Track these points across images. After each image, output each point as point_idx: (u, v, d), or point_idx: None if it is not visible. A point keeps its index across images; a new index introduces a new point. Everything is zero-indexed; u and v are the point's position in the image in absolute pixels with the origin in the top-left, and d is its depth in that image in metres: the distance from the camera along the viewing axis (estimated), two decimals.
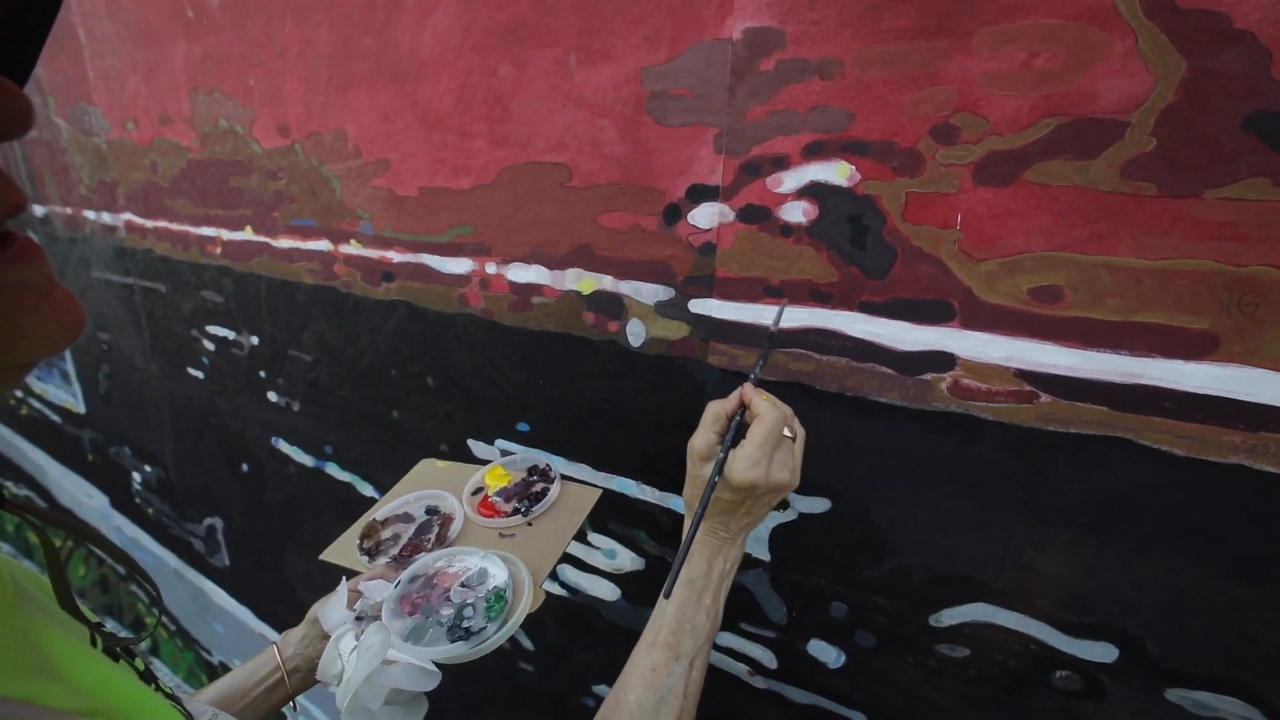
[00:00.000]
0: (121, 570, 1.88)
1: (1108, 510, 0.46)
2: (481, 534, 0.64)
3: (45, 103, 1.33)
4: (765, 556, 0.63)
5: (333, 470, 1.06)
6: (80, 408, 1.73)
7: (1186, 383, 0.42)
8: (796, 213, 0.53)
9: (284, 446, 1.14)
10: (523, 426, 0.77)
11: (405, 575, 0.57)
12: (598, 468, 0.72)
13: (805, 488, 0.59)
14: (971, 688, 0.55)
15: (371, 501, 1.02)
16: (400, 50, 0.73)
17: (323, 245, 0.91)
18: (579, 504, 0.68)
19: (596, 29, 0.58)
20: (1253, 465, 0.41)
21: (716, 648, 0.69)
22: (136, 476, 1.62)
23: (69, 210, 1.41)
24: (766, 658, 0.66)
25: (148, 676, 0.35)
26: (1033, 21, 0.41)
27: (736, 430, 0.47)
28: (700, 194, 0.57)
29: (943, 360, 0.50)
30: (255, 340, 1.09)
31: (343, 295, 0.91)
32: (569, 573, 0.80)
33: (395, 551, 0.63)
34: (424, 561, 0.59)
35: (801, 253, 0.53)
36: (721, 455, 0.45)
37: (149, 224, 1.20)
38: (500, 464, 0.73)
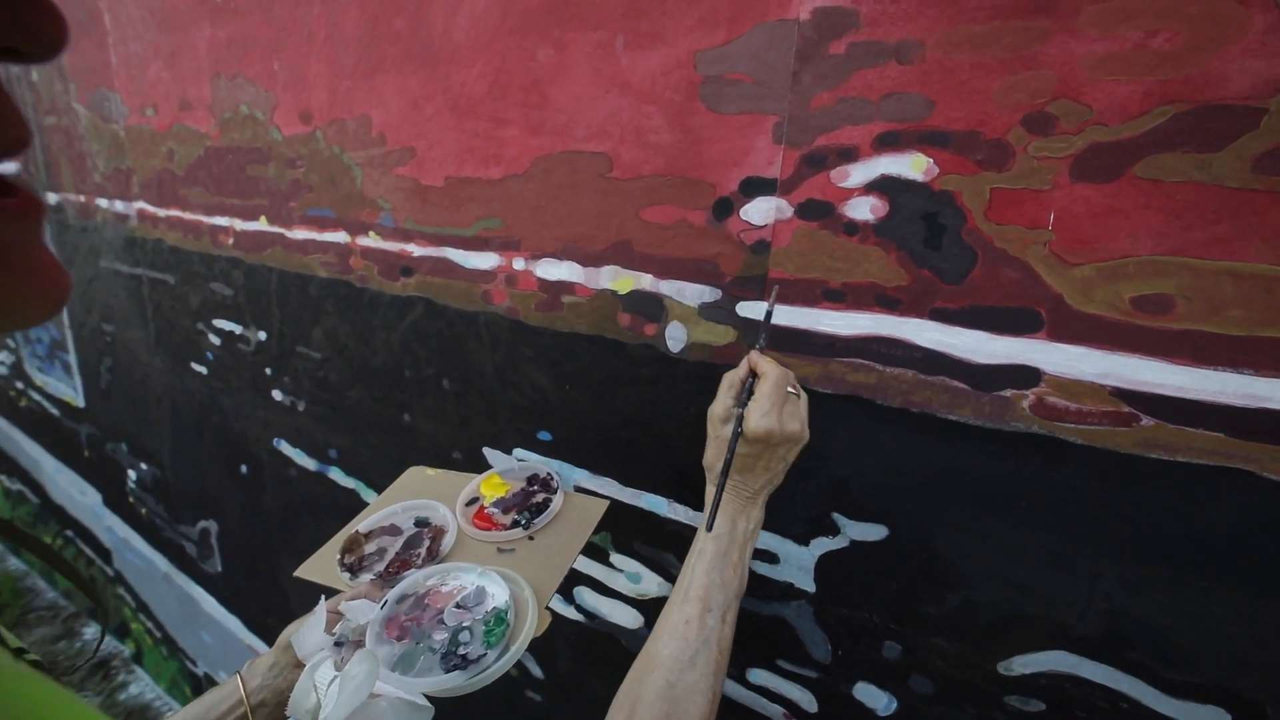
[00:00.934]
0: (110, 571, 1.81)
1: (1221, 550, 0.41)
2: (477, 549, 0.58)
3: (67, 89, 1.31)
4: (810, 587, 0.57)
5: (336, 475, 1.01)
6: (80, 401, 1.69)
7: None
8: (864, 209, 0.48)
9: (286, 448, 1.09)
10: (544, 435, 0.72)
11: (392, 595, 0.51)
12: (625, 483, 0.67)
13: (859, 513, 0.53)
14: None
15: None
16: (432, 33, 0.69)
17: (339, 237, 0.87)
18: (585, 516, 0.62)
19: (647, 9, 0.55)
20: None
21: (750, 687, 0.63)
22: (132, 474, 1.57)
23: (82, 198, 1.39)
24: (806, 700, 0.60)
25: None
26: None
27: (750, 392, 0.49)
28: (755, 187, 0.52)
29: (1025, 375, 0.45)
30: (263, 335, 1.05)
31: (358, 290, 0.87)
32: (587, 596, 0.74)
33: (381, 567, 0.57)
34: (414, 579, 0.53)
35: (867, 253, 0.49)
36: (739, 410, 0.48)
37: (161, 213, 1.17)
38: (497, 472, 0.67)
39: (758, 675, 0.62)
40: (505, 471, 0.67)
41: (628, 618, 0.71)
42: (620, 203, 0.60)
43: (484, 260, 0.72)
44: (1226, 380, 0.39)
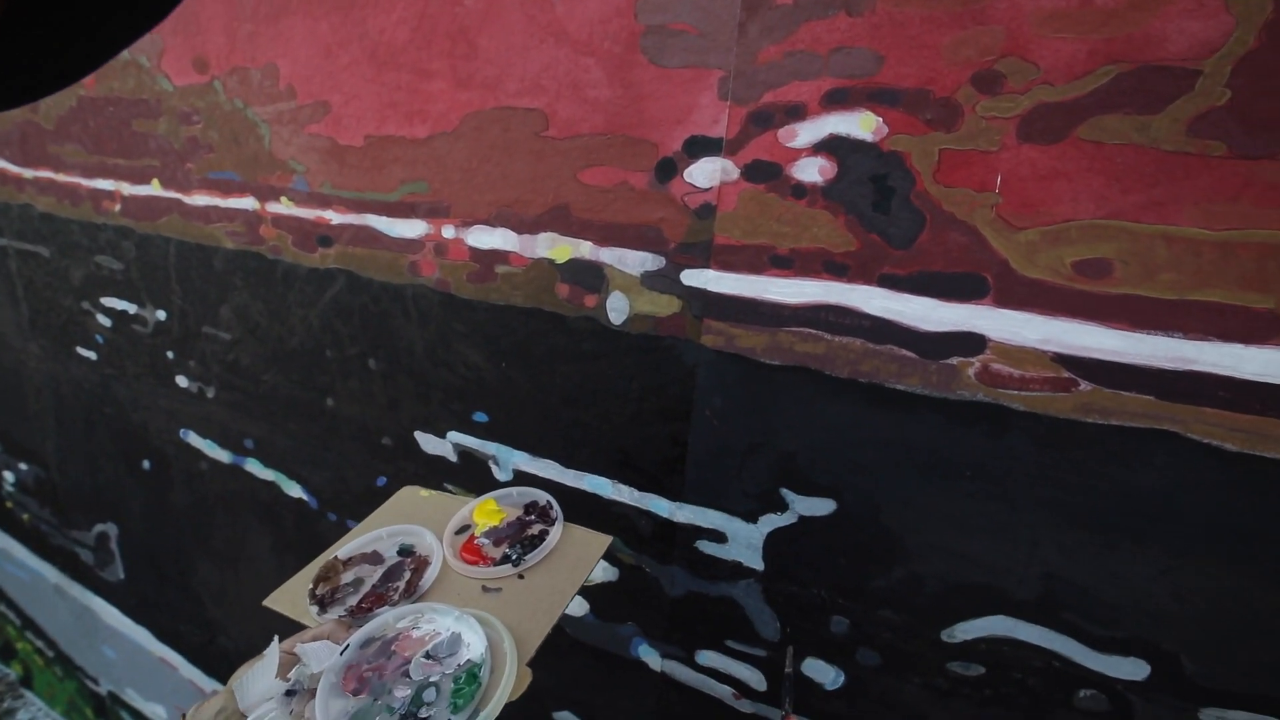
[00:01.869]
0: None
1: (1148, 512, 0.42)
2: (461, 585, 0.53)
3: None
4: (758, 565, 0.56)
5: (254, 467, 0.92)
6: None
7: (1245, 369, 0.38)
8: (812, 171, 0.46)
9: (195, 440, 0.98)
10: (480, 417, 0.67)
11: (356, 638, 0.45)
12: (567, 464, 0.63)
13: (807, 488, 0.52)
14: (984, 709, 0.50)
15: (299, 504, 0.89)
16: None
17: (247, 203, 0.78)
18: (583, 554, 0.55)
19: None
20: None
21: (697, 668, 0.61)
22: (9, 476, 1.39)
23: None
24: (755, 679, 0.59)
25: None
26: None
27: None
28: (700, 147, 0.49)
29: (972, 342, 0.44)
30: (162, 315, 0.94)
31: (270, 263, 0.79)
32: None
33: (353, 602, 0.51)
34: (383, 620, 0.47)
35: (815, 217, 0.47)
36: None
37: (28, 174, 1.02)
38: (493, 497, 0.60)
39: (706, 657, 0.61)
40: (501, 497, 0.60)
41: (573, 605, 0.67)
42: (557, 164, 0.55)
43: (410, 228, 0.66)
44: (1158, 344, 0.39)
